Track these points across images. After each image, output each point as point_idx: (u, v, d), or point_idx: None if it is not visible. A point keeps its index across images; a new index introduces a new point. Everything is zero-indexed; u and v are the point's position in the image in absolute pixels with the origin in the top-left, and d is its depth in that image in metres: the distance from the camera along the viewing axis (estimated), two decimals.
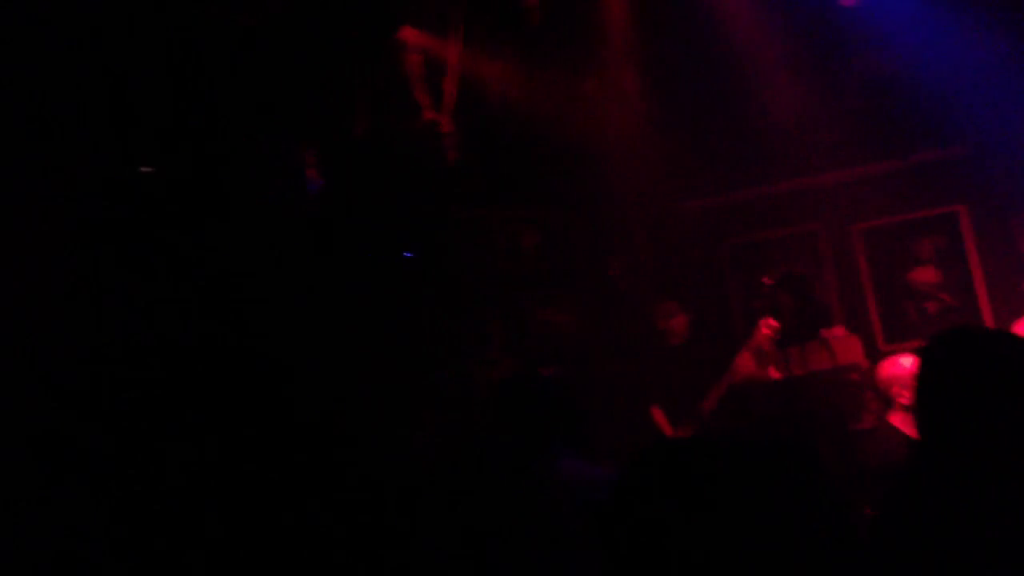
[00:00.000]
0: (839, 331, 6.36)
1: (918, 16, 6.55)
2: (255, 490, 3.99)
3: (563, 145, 6.52)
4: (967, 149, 6.96)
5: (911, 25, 6.62)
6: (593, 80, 6.81)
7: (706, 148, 7.15)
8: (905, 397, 4.08)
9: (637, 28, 6.68)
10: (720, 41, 6.78)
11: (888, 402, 4.32)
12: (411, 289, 5.62)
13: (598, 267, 6.73)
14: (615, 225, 6.92)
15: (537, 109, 6.49)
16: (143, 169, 4.26)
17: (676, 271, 7.08)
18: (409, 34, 5.91)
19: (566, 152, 6.54)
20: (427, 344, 5.68)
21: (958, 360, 2.19)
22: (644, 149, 6.87)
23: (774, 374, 6.06)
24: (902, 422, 4.16)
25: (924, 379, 2.23)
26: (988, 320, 6.89)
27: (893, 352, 4.98)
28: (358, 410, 4.56)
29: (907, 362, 4.10)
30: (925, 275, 7.03)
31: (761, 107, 7.11)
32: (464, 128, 5.99)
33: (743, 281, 7.20)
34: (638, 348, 6.51)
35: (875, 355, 6.61)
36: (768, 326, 5.59)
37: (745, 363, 5.84)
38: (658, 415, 6.01)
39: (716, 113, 7.12)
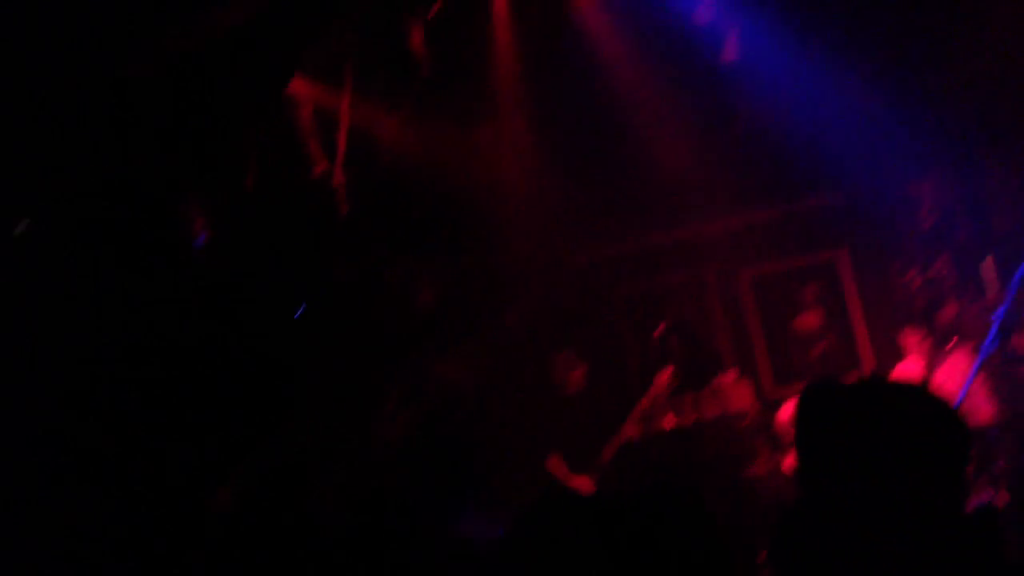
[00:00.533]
0: (729, 377, 6.49)
1: (798, 70, 6.83)
2: None
3: (457, 197, 6.53)
4: (846, 196, 7.26)
5: (792, 78, 6.90)
6: (485, 131, 6.85)
7: (597, 199, 7.26)
8: None
9: (528, 80, 6.78)
10: (610, 94, 6.94)
11: (785, 447, 4.42)
12: (303, 345, 5.51)
13: (494, 319, 6.73)
14: (510, 277, 6.94)
15: (430, 160, 6.50)
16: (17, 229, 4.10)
17: (571, 321, 7.14)
18: (300, 86, 5.84)
19: (460, 204, 6.55)
20: (322, 402, 5.57)
21: (827, 410, 2.31)
22: (537, 200, 6.94)
23: (668, 423, 6.14)
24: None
25: (798, 427, 2.34)
26: (868, 363, 7.16)
27: (782, 397, 5.12)
28: (254, 476, 4.44)
29: None
30: (809, 320, 7.26)
31: (649, 158, 7.28)
32: (357, 181, 5.94)
33: (636, 330, 7.30)
34: (535, 399, 6.51)
35: (764, 400, 6.78)
36: (666, 374, 5.68)
37: (643, 412, 5.92)
38: (556, 466, 6.00)
39: (606, 165, 7.26)
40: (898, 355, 6.23)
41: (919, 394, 2.18)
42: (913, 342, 6.00)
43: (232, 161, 5.65)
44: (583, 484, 5.88)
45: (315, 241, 5.84)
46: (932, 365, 5.86)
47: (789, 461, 4.36)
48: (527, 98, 6.93)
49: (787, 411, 4.48)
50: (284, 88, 5.80)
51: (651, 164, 7.27)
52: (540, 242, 7.06)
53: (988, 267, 6.67)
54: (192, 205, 5.48)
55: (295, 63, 5.75)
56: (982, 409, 5.34)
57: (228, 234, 5.53)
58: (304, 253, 5.78)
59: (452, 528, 3.20)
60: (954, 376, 5.46)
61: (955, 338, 5.96)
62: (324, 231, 5.94)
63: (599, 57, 6.81)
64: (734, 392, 6.27)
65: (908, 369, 6.02)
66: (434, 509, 3.25)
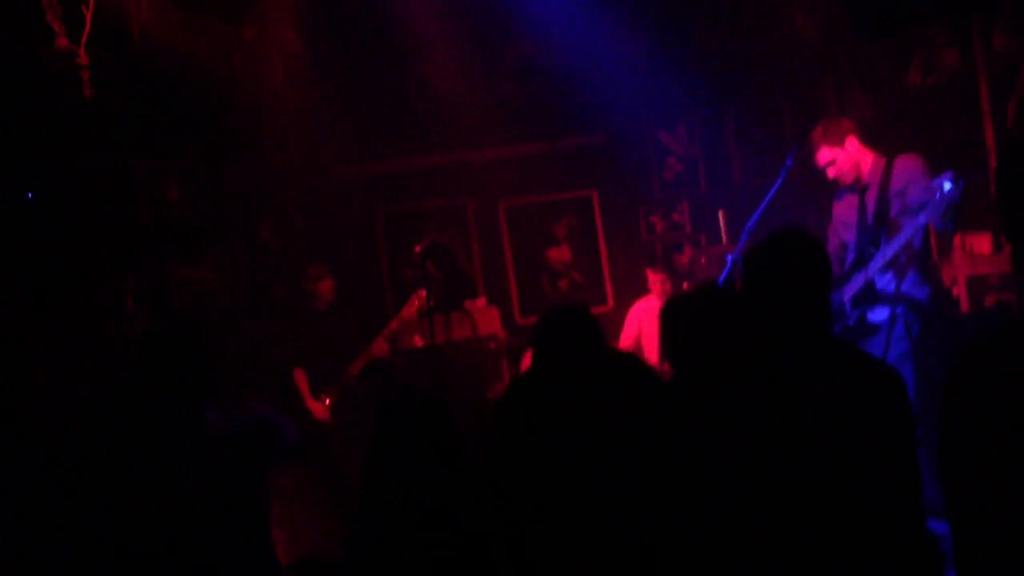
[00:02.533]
0: (481, 302, 6.66)
1: (571, 11, 7.00)
2: None
3: (217, 95, 6.19)
4: (603, 139, 7.57)
5: (564, 18, 7.06)
6: (252, 30, 6.52)
7: (365, 116, 7.15)
8: None
9: None
10: (385, 10, 6.81)
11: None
12: (35, 237, 5.06)
13: (247, 225, 6.48)
14: (269, 184, 6.71)
15: (190, 52, 6.10)
16: None
17: (329, 236, 7.02)
18: None
19: (220, 103, 6.21)
20: (54, 297, 5.16)
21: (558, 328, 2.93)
22: (303, 110, 6.72)
23: (418, 342, 6.22)
24: None
25: (534, 341, 2.93)
26: (609, 296, 7.58)
27: (529, 324, 5.30)
28: None
29: None
30: (560, 253, 7.59)
31: (421, 80, 7.24)
32: (105, 64, 5.47)
33: (395, 249, 7.31)
34: (284, 310, 6.38)
35: (511, 326, 7.02)
36: (419, 297, 5.72)
37: (392, 331, 5.95)
38: (301, 379, 5.94)
39: (377, 82, 7.15)
40: (640, 292, 6.63)
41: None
42: (654, 280, 6.40)
43: None
44: (318, 408, 5.87)
45: (51, 125, 5.34)
46: None
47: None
48: (300, 2, 6.67)
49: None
50: None
51: (422, 87, 7.24)
52: (303, 152, 6.86)
53: (723, 217, 7.22)
54: None
55: None
56: None
57: None
58: (37, 136, 5.28)
59: (200, 421, 3.15)
60: None
61: (689, 280, 6.43)
62: (62, 115, 5.44)
63: None
64: (484, 317, 6.43)
65: (647, 306, 6.43)
66: (171, 405, 3.16)
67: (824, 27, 6.65)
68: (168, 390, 3.16)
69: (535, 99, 7.42)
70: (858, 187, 4.37)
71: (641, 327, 6.42)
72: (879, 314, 4.13)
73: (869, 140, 4.43)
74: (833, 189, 4.59)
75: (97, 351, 5.23)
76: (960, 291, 4.98)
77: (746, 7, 7.21)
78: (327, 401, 5.91)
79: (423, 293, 5.63)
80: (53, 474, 3.34)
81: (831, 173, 4.41)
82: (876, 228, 4.21)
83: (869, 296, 4.15)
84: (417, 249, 5.61)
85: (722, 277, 4.71)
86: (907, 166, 4.22)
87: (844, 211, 4.48)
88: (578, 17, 7.10)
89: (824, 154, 4.39)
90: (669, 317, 2.69)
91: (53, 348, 5.00)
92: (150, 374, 3.19)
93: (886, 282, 4.14)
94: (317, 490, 5.68)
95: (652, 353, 6.24)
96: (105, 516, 3.02)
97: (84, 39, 5.28)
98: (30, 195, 4.96)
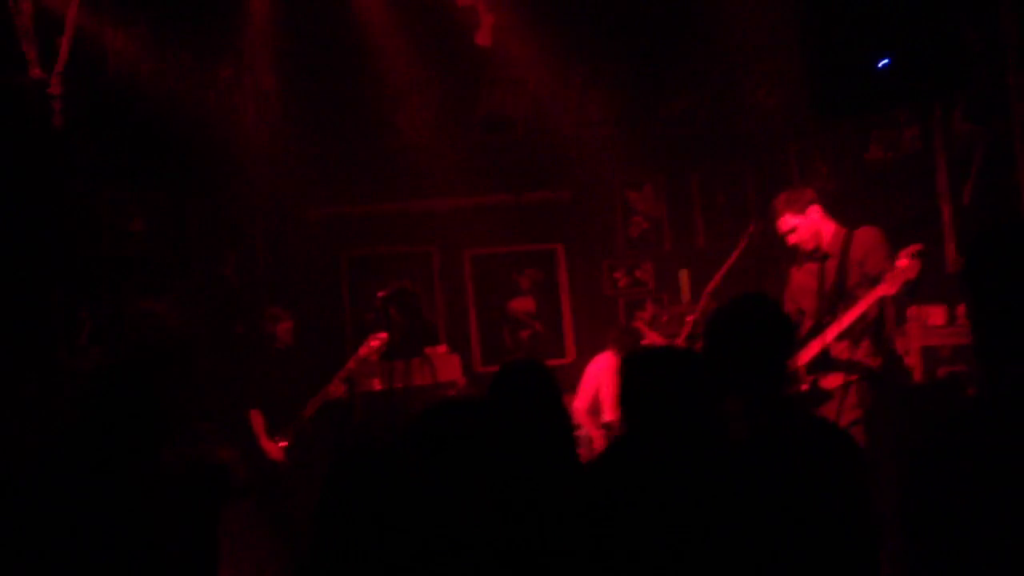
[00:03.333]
0: (442, 349, 6.66)
1: (541, 66, 7.14)
2: None
3: (187, 130, 6.19)
4: (570, 194, 7.68)
5: (535, 73, 7.19)
6: (226, 67, 6.55)
7: (334, 158, 7.18)
8: None
9: (279, 24, 6.57)
10: (360, 57, 6.88)
11: None
12: None
13: (210, 262, 6.45)
14: (234, 221, 6.69)
15: (163, 87, 6.11)
16: None
17: (292, 276, 7.00)
18: None
19: (189, 138, 6.21)
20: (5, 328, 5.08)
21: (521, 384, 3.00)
22: (273, 149, 6.74)
23: (377, 386, 6.19)
24: None
25: (490, 395, 2.90)
26: (570, 351, 7.62)
27: (489, 373, 5.30)
28: None
29: None
30: (523, 304, 7.63)
31: (392, 126, 7.30)
32: (76, 95, 5.46)
33: (357, 293, 7.30)
34: (242, 349, 6.32)
35: (471, 374, 7.02)
36: (377, 339, 5.70)
37: (349, 372, 5.92)
38: (256, 419, 5.87)
39: (347, 126, 7.19)
40: (599, 347, 6.67)
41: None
42: (612, 337, 6.44)
43: None
44: (272, 449, 5.80)
45: (21, 152, 5.31)
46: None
47: None
48: (277, 43, 6.71)
49: None
50: None
51: (393, 133, 7.30)
52: (270, 191, 6.86)
53: (686, 276, 7.34)
54: None
55: None
56: None
57: None
58: (4, 163, 5.24)
59: (154, 460, 3.09)
60: None
61: (649, 337, 6.48)
62: (32, 143, 5.42)
63: (355, 17, 6.74)
64: (444, 363, 6.43)
65: (606, 362, 6.46)
66: (123, 443, 3.10)
67: (788, 98, 6.83)
68: (120, 427, 3.10)
69: (504, 151, 7.51)
70: (818, 256, 4.46)
71: (599, 383, 6.45)
72: (833, 381, 4.20)
73: (830, 210, 4.54)
74: (791, 256, 4.69)
75: (47, 382, 5.15)
76: (914, 361, 5.08)
77: (714, 74, 7.40)
78: (282, 443, 5.84)
79: (383, 335, 5.62)
80: None
81: (792, 240, 4.50)
82: (834, 297, 4.29)
83: (824, 363, 4.22)
84: (380, 294, 5.61)
85: (682, 339, 4.77)
86: (867, 237, 4.32)
87: (803, 278, 4.57)
88: (548, 73, 7.24)
89: (786, 221, 4.48)
90: (627, 374, 2.73)
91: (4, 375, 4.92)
92: (102, 409, 3.13)
93: (841, 350, 4.21)
94: (267, 531, 5.59)
95: (609, 409, 6.26)
96: (48, 556, 2.95)
97: (58, 68, 5.28)
98: None
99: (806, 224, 4.44)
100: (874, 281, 4.04)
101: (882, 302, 4.16)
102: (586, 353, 6.95)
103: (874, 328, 4.25)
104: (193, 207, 6.33)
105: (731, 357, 2.38)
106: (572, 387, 6.44)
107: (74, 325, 5.47)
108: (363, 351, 5.81)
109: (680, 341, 4.98)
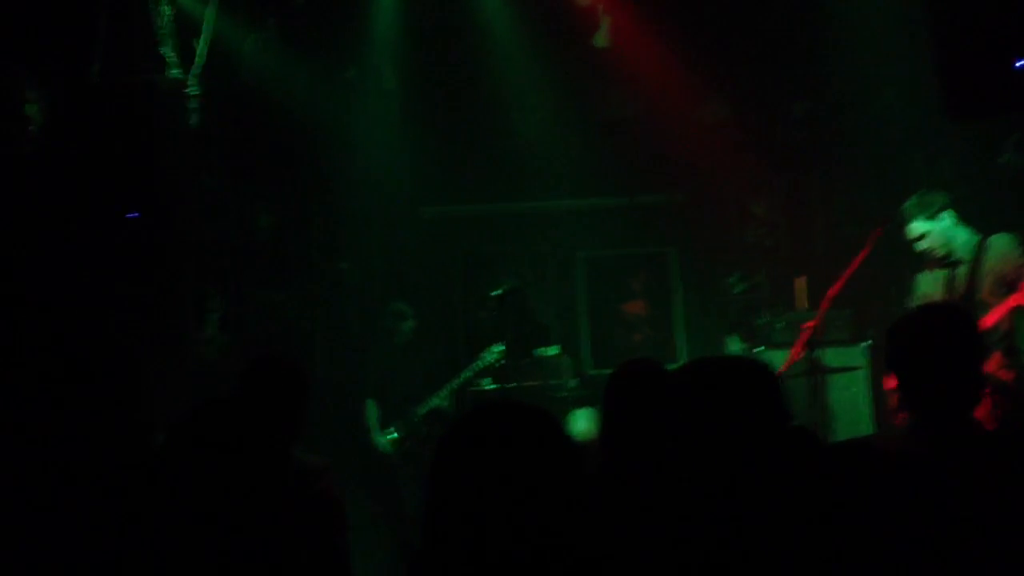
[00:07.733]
0: (553, 350, 6.68)
1: (659, 70, 7.08)
2: None
3: (313, 130, 6.38)
4: (685, 197, 7.60)
5: (653, 76, 7.14)
6: (352, 71, 6.73)
7: (452, 158, 7.29)
8: None
9: (401, 27, 6.71)
10: (479, 58, 6.97)
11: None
12: (131, 254, 5.24)
13: (331, 258, 6.63)
14: (354, 219, 6.86)
15: (291, 88, 6.32)
16: None
17: (407, 273, 7.14)
18: None
19: (315, 137, 6.41)
20: (140, 315, 5.32)
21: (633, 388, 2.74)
22: (394, 148, 6.89)
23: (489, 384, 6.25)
24: None
25: (605, 400, 2.76)
26: (682, 355, 7.54)
27: (601, 375, 5.31)
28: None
29: None
30: (635, 307, 7.59)
31: (509, 128, 7.37)
32: (212, 95, 5.69)
33: (470, 291, 7.39)
34: (361, 344, 6.48)
35: (583, 376, 7.02)
36: (492, 351, 5.80)
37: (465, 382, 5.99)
38: (370, 413, 6.01)
39: (466, 126, 7.29)
40: (712, 351, 6.59)
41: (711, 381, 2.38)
42: (728, 342, 6.36)
43: (79, 49, 5.30)
44: (383, 442, 5.92)
45: (160, 148, 5.55)
46: None
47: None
48: (399, 46, 6.86)
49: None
50: None
51: (510, 133, 7.36)
52: (389, 189, 7.01)
53: (803, 283, 7.16)
54: (26, 89, 5.10)
55: None
56: None
57: (66, 128, 5.19)
58: (146, 159, 5.49)
59: (286, 461, 3.09)
60: None
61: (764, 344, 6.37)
62: (170, 141, 5.66)
63: (475, 18, 6.83)
64: (556, 364, 6.45)
65: None
66: (250, 433, 3.15)
67: (915, 100, 6.60)
68: (265, 425, 3.06)
69: (620, 153, 7.48)
70: (948, 262, 4.32)
71: None
72: None
73: (960, 216, 4.38)
74: (917, 263, 4.54)
75: (174, 369, 5.36)
76: None
77: (837, 77, 7.21)
78: (394, 435, 5.97)
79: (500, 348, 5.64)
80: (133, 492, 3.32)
81: (921, 246, 4.37)
82: (964, 305, 4.14)
83: None
84: (491, 297, 5.68)
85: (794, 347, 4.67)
86: (1002, 244, 4.16)
87: (930, 286, 4.42)
88: (666, 74, 7.17)
89: (916, 226, 4.35)
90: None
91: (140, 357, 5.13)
92: (251, 404, 3.11)
93: None
94: (378, 524, 5.72)
95: None
96: (191, 543, 2.98)
97: (195, 69, 5.51)
98: (133, 215, 5.15)
99: (938, 230, 4.30)
100: (1008, 290, 3.89)
101: (1016, 312, 4.00)
102: (696, 356, 6.86)
103: (1007, 339, 4.08)
104: (315, 203, 6.52)
105: (924, 370, 2.26)
106: None
107: (203, 315, 5.69)
108: (479, 362, 5.86)
109: (797, 349, 4.88)
